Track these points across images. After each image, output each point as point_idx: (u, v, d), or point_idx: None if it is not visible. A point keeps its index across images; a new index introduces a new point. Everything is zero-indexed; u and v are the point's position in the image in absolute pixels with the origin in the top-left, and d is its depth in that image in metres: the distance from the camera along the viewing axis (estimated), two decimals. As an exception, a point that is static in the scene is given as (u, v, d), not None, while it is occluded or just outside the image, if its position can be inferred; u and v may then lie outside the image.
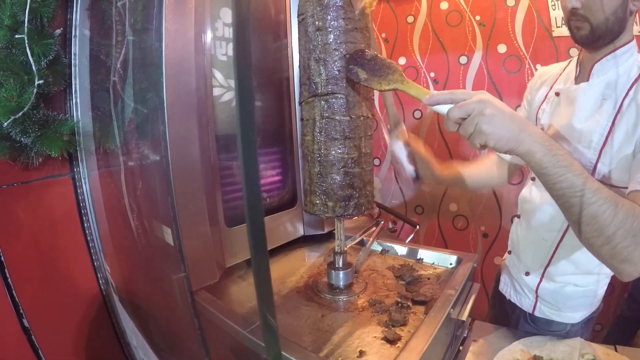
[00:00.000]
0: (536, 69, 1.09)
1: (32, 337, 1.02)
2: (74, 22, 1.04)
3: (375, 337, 0.62)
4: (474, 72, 1.85)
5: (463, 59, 1.87)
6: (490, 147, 0.56)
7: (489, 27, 1.77)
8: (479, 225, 1.96)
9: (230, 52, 0.82)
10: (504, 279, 1.08)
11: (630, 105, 0.73)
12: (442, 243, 2.10)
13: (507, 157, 1.01)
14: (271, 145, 0.98)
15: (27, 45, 0.86)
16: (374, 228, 1.00)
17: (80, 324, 1.14)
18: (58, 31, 0.97)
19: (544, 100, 0.92)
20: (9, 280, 0.97)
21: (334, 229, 0.79)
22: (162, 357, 0.99)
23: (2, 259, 0.96)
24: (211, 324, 0.70)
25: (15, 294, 0.99)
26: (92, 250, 1.16)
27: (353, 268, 0.80)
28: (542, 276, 0.94)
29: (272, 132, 0.98)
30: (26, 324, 1.01)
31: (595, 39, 0.74)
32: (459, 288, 0.72)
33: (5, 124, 0.86)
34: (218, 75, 0.80)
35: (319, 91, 0.67)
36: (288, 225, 1.00)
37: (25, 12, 0.85)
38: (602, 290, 0.93)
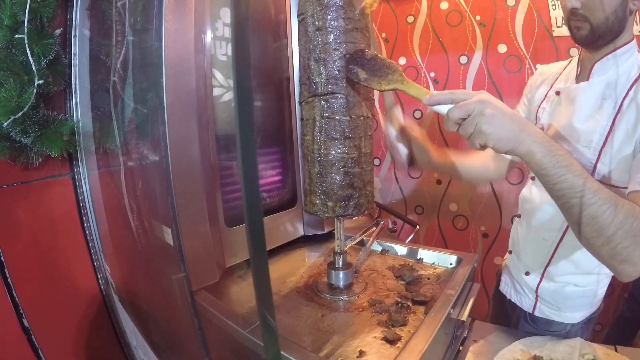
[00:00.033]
0: (536, 69, 1.09)
1: (32, 337, 1.02)
2: (73, 22, 1.04)
3: (375, 337, 0.62)
4: (474, 72, 1.85)
5: (463, 59, 1.86)
6: (490, 147, 0.56)
7: (489, 27, 1.77)
8: (479, 225, 1.96)
9: (230, 52, 0.82)
10: (504, 278, 1.08)
11: (630, 105, 0.73)
12: (442, 243, 2.10)
13: (508, 156, 1.01)
14: (271, 145, 0.98)
15: (27, 45, 0.86)
16: (374, 228, 1.00)
17: (80, 324, 1.14)
18: (58, 31, 0.97)
19: (544, 99, 0.92)
20: (9, 280, 0.97)
21: (334, 229, 0.79)
22: (162, 357, 0.99)
23: (2, 259, 0.96)
24: (211, 324, 0.70)
25: (15, 294, 0.99)
26: (92, 250, 1.16)
27: (353, 268, 0.80)
28: (542, 276, 0.94)
29: (272, 132, 0.98)
30: (26, 324, 1.01)
31: (595, 38, 0.74)
32: (459, 288, 0.72)
33: (5, 124, 0.87)
34: (218, 75, 0.80)
35: (319, 91, 0.67)
36: (288, 225, 1.00)
37: (25, 12, 0.85)
38: (602, 290, 0.93)
